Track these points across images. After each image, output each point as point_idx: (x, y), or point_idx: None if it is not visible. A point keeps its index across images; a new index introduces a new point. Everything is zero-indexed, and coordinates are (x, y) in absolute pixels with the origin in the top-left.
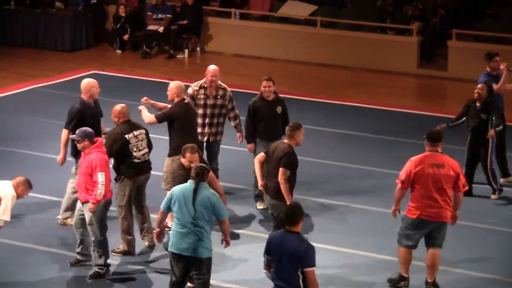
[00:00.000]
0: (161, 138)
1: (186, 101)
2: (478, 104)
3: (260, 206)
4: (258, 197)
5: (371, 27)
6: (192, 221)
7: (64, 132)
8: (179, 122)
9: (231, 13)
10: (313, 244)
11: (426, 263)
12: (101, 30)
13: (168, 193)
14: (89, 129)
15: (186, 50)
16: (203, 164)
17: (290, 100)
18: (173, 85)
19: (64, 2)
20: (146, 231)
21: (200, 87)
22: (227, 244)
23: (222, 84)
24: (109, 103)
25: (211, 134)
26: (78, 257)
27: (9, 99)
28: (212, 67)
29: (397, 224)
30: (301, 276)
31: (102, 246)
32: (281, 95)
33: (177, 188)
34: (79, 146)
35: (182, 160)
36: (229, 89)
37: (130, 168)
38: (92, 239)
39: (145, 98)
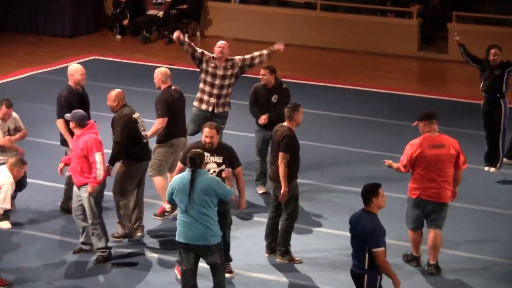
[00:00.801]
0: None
1: (173, 87)
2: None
3: (260, 190)
4: (259, 181)
5: (371, 10)
6: (196, 210)
7: (59, 123)
8: (177, 108)
9: None
10: (317, 228)
11: (428, 245)
12: (101, 16)
13: (171, 181)
14: (81, 112)
15: (186, 35)
16: (198, 150)
17: (291, 84)
18: (158, 72)
19: None
20: (139, 223)
21: (213, 57)
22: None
23: (229, 57)
24: (109, 89)
25: (219, 105)
26: (82, 246)
27: (10, 85)
28: (220, 42)
29: (401, 208)
30: (367, 256)
31: (101, 228)
32: (282, 79)
33: (176, 178)
34: (71, 125)
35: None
36: (237, 57)
37: (141, 151)
38: (90, 221)
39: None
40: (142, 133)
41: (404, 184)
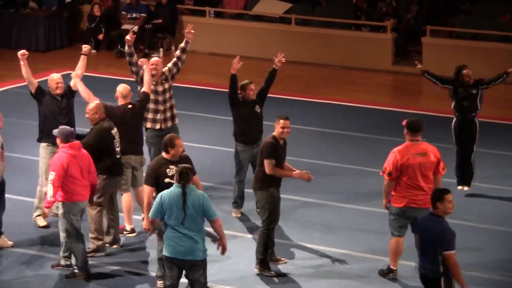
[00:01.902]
0: None
1: (129, 105)
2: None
3: (236, 214)
4: (236, 203)
5: (345, 24)
6: (185, 225)
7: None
8: (123, 126)
9: (205, 12)
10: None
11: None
12: (75, 30)
13: (156, 198)
14: (67, 129)
15: (161, 49)
16: (187, 165)
17: (267, 98)
18: (118, 87)
19: (38, 2)
20: (115, 236)
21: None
22: (224, 249)
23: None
24: (84, 103)
25: (168, 119)
26: (62, 261)
27: None
28: (153, 59)
29: (373, 221)
30: (440, 259)
31: (67, 243)
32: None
33: (165, 194)
34: (57, 140)
35: (165, 154)
36: (164, 69)
37: (115, 166)
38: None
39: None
40: (117, 149)
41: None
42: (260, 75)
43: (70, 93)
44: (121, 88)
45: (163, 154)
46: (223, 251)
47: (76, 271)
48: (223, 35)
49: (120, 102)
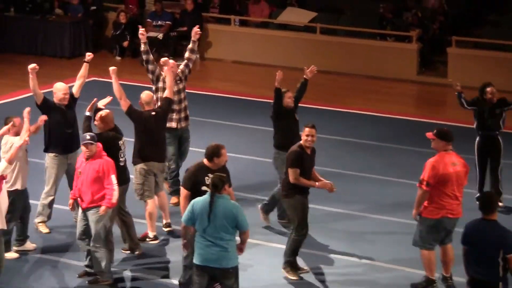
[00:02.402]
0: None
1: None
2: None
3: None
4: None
5: (371, 34)
6: (215, 233)
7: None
8: (146, 133)
9: (230, 20)
10: (313, 251)
11: (444, 259)
12: (100, 37)
13: (188, 206)
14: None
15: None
16: (222, 174)
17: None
18: (142, 95)
19: (63, 9)
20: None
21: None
22: (240, 251)
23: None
24: (108, 109)
25: (181, 120)
26: (87, 269)
27: (8, 106)
28: (170, 61)
29: (397, 232)
30: (501, 263)
31: (104, 252)
32: None
33: (197, 201)
34: (90, 148)
35: (207, 162)
36: (178, 67)
37: (120, 174)
38: (92, 243)
39: None
40: (121, 158)
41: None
42: (284, 83)
43: (73, 102)
44: (144, 95)
45: (205, 161)
46: (240, 252)
47: (98, 277)
48: (248, 43)
49: (144, 109)
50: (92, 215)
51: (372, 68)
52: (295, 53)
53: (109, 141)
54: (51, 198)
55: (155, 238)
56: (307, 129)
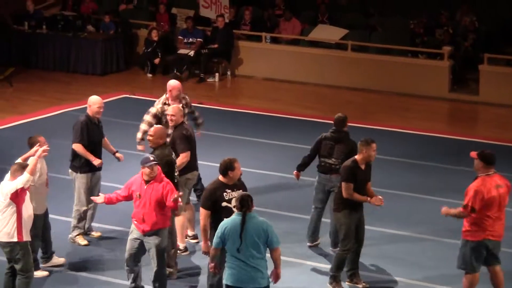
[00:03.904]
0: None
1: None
2: None
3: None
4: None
5: (402, 51)
6: (247, 253)
7: (78, 147)
8: (193, 143)
9: (261, 37)
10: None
11: (494, 283)
12: (132, 54)
13: (218, 228)
14: (148, 156)
15: (217, 74)
16: (247, 193)
17: (322, 124)
18: (178, 108)
19: (95, 26)
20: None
21: (164, 103)
22: (277, 278)
23: (182, 94)
24: (138, 127)
25: None
26: None
27: (41, 122)
28: (172, 82)
29: (428, 249)
30: None
31: (164, 277)
32: (312, 119)
33: (226, 222)
34: (148, 171)
35: (222, 178)
36: (188, 99)
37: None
38: (156, 269)
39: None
40: (176, 174)
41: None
42: (315, 100)
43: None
44: (180, 108)
45: (220, 177)
46: (276, 280)
47: None
48: (279, 60)
49: (181, 120)
50: (155, 239)
51: (404, 85)
52: (326, 70)
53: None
54: (84, 208)
55: (185, 249)
56: (374, 145)
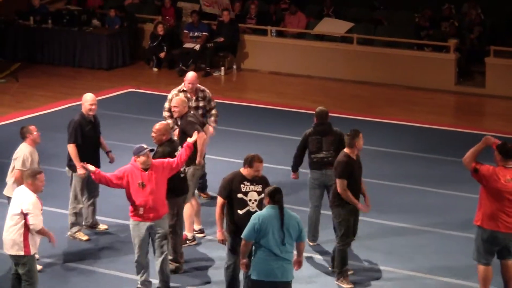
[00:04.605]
0: None
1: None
2: None
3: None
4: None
5: (408, 44)
6: (281, 246)
7: (71, 147)
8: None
9: (267, 31)
10: (352, 262)
11: (505, 276)
12: (137, 48)
13: (252, 220)
14: (142, 146)
15: (223, 68)
16: (276, 186)
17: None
18: (181, 100)
19: (101, 21)
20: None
21: (179, 91)
22: (300, 265)
23: (201, 86)
24: (146, 121)
25: None
26: (141, 286)
27: (46, 117)
28: (190, 74)
29: (434, 242)
30: None
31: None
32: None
33: (263, 215)
34: (144, 159)
35: (245, 170)
36: (208, 90)
37: (179, 185)
38: (162, 257)
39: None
40: (181, 169)
41: (441, 217)
42: (321, 94)
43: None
44: (183, 99)
45: (242, 168)
46: (298, 267)
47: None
48: (285, 54)
49: (185, 111)
50: (165, 223)
51: (409, 78)
52: (331, 64)
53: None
54: (80, 206)
55: (193, 239)
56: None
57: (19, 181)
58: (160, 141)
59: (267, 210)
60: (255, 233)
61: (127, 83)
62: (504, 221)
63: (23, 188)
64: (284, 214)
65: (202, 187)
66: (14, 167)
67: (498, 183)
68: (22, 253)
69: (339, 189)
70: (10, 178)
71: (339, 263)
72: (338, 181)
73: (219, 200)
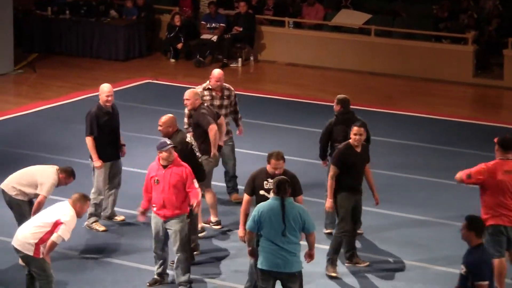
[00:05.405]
0: None
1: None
2: None
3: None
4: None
5: (426, 36)
6: (282, 238)
7: (88, 140)
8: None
9: (284, 22)
10: (365, 254)
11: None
12: (154, 39)
13: (254, 211)
14: (166, 140)
15: (240, 59)
16: (284, 177)
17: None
18: (193, 92)
19: (118, 12)
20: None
21: (204, 88)
22: (311, 258)
23: (226, 84)
24: (162, 112)
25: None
26: (158, 277)
27: (64, 107)
28: (217, 72)
29: (449, 234)
30: None
31: (188, 262)
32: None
33: (263, 206)
34: (166, 155)
35: (268, 167)
36: (233, 89)
37: (200, 174)
38: (178, 255)
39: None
40: (197, 153)
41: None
42: (338, 85)
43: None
44: (195, 91)
45: (267, 165)
46: (309, 260)
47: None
48: (302, 45)
49: (198, 104)
50: (177, 224)
51: (427, 70)
52: (349, 55)
53: (182, 146)
54: (101, 198)
55: (202, 230)
56: (355, 128)
57: (41, 206)
58: (167, 133)
59: (269, 201)
60: (255, 224)
61: (144, 74)
62: (507, 215)
63: (69, 205)
64: (285, 205)
65: (231, 190)
66: (36, 186)
67: (497, 176)
68: (31, 254)
69: (329, 174)
70: (26, 188)
71: (332, 250)
72: (331, 167)
73: (245, 197)
